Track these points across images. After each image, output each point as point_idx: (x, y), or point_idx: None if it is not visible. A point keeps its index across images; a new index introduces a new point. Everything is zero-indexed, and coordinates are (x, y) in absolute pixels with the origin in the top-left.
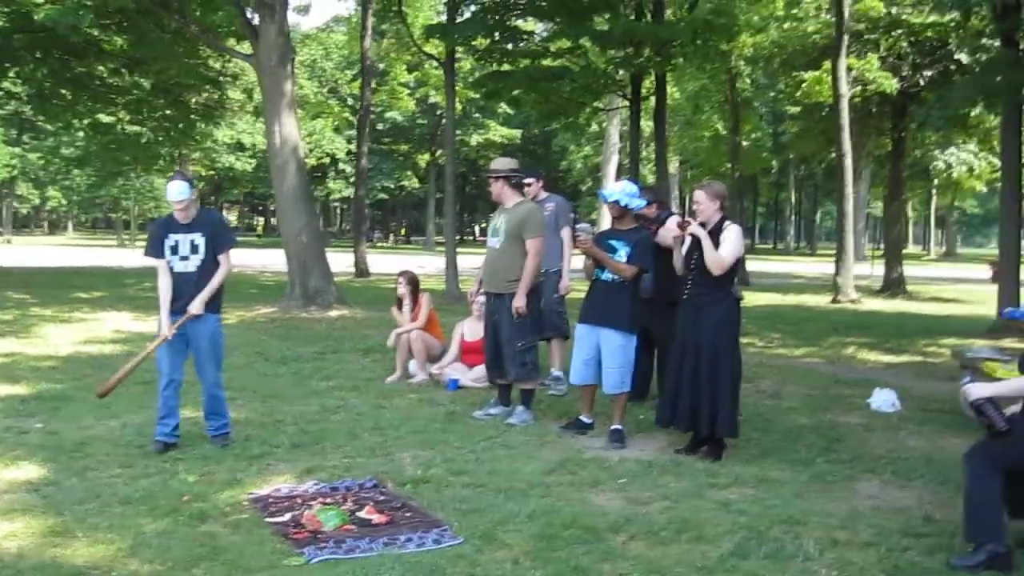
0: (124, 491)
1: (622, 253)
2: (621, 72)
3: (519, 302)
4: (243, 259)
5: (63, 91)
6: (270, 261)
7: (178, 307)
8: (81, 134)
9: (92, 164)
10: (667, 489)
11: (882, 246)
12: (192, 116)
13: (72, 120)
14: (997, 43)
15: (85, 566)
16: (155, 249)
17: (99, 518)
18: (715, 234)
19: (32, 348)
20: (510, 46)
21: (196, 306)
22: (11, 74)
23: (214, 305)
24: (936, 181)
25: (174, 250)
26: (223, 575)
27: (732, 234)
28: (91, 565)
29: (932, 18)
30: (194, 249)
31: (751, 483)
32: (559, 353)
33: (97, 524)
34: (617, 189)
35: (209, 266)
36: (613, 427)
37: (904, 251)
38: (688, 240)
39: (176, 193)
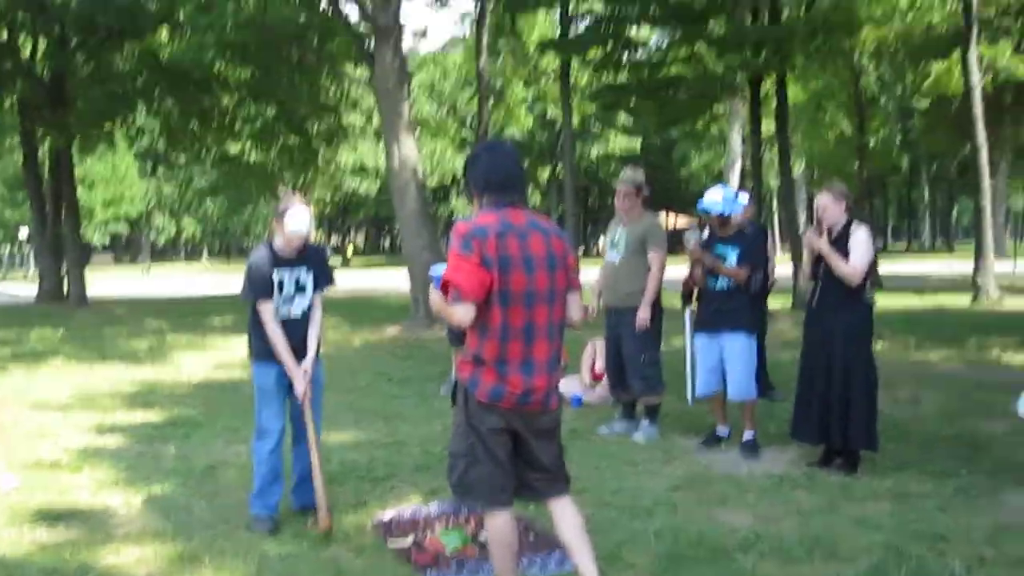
0: None
1: (732, 258)
2: (739, 75)
3: (643, 314)
4: (368, 282)
5: (191, 125)
6: (398, 283)
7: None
8: (211, 165)
9: (222, 193)
10: (799, 505)
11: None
12: (314, 142)
13: (201, 151)
14: None
15: None
16: (263, 289)
17: (226, 542)
18: (844, 237)
19: (167, 375)
20: (625, 56)
21: (310, 362)
22: (142, 110)
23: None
24: None
25: (279, 288)
26: None
27: (861, 238)
28: None
29: None
30: (300, 288)
31: (888, 497)
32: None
33: (224, 549)
34: (717, 199)
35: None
36: (745, 439)
37: None
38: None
39: (306, 222)
